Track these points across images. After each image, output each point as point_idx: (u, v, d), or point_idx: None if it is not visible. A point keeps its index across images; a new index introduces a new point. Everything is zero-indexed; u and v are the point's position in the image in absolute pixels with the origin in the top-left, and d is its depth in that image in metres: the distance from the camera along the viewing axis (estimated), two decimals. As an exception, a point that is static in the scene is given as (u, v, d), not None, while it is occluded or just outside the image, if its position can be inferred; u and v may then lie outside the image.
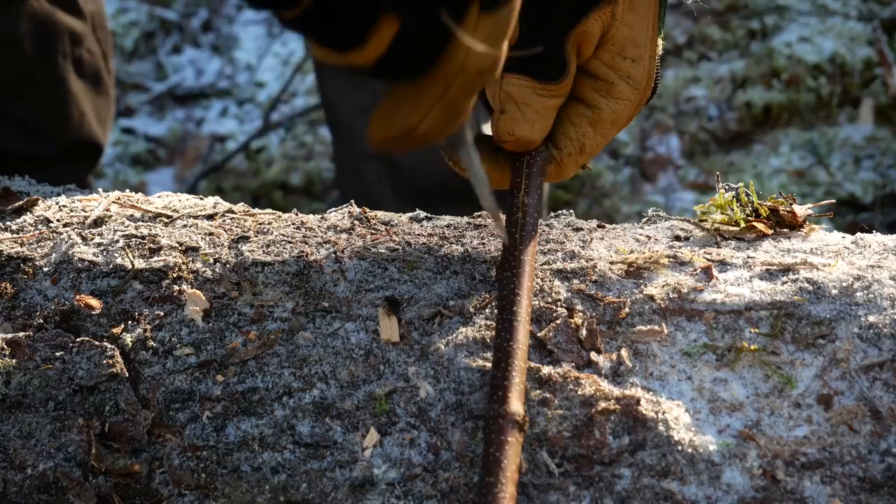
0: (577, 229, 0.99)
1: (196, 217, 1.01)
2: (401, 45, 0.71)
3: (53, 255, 0.95)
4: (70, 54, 1.46)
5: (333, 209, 1.03)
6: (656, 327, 0.86)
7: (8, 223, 1.00)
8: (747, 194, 0.99)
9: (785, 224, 0.97)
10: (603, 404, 0.81)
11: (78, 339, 0.88)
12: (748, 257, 0.92)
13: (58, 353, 0.87)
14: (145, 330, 0.89)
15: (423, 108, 0.75)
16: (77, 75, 1.48)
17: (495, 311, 0.86)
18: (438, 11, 0.70)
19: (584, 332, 0.86)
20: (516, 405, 0.79)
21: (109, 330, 0.89)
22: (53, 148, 1.47)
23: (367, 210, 1.02)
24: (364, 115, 1.73)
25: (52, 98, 1.45)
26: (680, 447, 0.79)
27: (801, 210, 0.97)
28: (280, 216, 1.02)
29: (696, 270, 0.90)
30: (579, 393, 0.82)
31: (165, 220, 1.00)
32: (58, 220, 1.00)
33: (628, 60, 0.92)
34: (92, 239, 0.97)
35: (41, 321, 0.90)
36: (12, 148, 1.41)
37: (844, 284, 0.87)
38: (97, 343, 0.87)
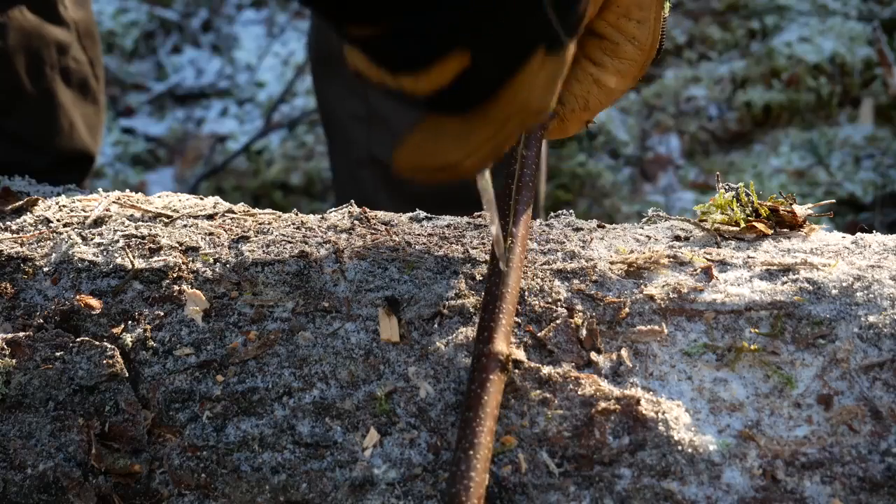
0: (577, 229, 0.99)
1: (196, 217, 1.00)
2: (465, 79, 0.69)
3: (53, 255, 0.95)
4: (57, 65, 1.46)
5: (333, 209, 1.03)
6: (656, 327, 0.86)
7: (8, 223, 1.00)
8: (747, 194, 0.99)
9: (785, 224, 0.97)
10: (603, 404, 0.81)
11: (78, 339, 0.88)
12: (748, 257, 0.92)
13: (58, 353, 0.87)
14: (145, 330, 0.89)
15: (472, 144, 0.73)
16: (65, 85, 1.48)
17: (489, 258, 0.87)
18: (513, 50, 0.69)
19: (584, 332, 0.86)
20: (501, 345, 0.81)
21: (109, 330, 0.89)
22: (44, 160, 1.47)
23: (367, 210, 1.02)
24: (360, 123, 1.73)
25: (41, 110, 1.45)
26: (680, 447, 0.79)
27: (801, 210, 0.98)
28: (280, 216, 1.02)
29: (696, 270, 0.90)
30: (579, 393, 0.82)
31: (165, 220, 1.00)
32: (58, 220, 1.00)
33: (633, 22, 0.92)
34: (92, 239, 0.97)
35: (41, 321, 0.90)
36: (3, 160, 1.41)
37: (844, 284, 0.87)
38: (97, 343, 0.87)
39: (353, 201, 1.04)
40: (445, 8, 0.65)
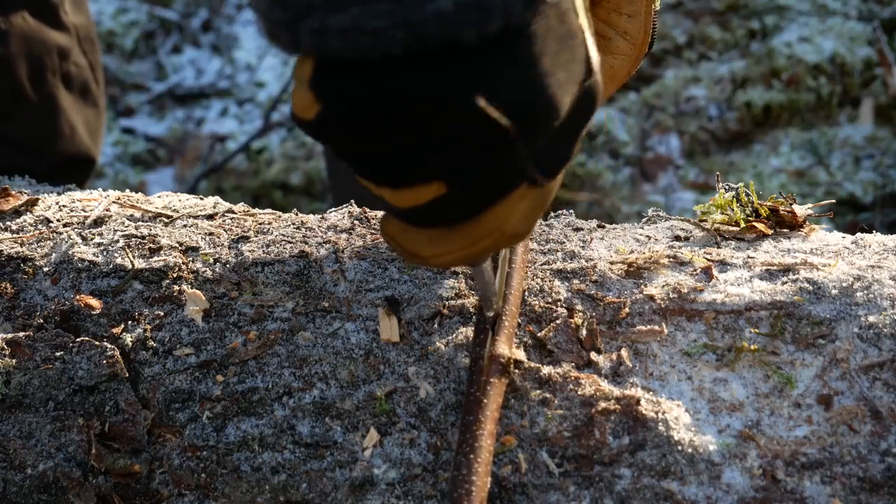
0: (577, 229, 0.99)
1: (196, 217, 1.00)
2: (440, 203, 0.69)
3: (53, 255, 0.95)
4: (58, 69, 1.46)
5: (333, 209, 1.03)
6: (656, 327, 0.86)
7: (8, 223, 1.00)
8: (747, 194, 0.99)
9: (785, 224, 0.97)
10: (603, 404, 0.81)
11: (78, 339, 0.88)
12: (748, 257, 0.92)
13: (58, 353, 0.87)
14: (145, 330, 0.89)
15: (442, 250, 0.73)
16: (66, 90, 1.48)
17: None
18: (490, 188, 0.70)
19: (584, 332, 0.86)
20: (502, 348, 0.81)
21: (109, 330, 0.89)
22: (45, 163, 1.48)
23: (367, 210, 1.02)
24: None
25: (42, 115, 1.46)
26: (680, 447, 0.79)
27: (801, 210, 0.98)
28: (280, 216, 1.02)
29: (696, 270, 0.90)
30: (579, 393, 0.82)
31: (165, 220, 1.00)
32: (58, 220, 1.00)
33: (624, 16, 0.92)
34: (92, 239, 0.97)
35: (41, 321, 0.90)
36: (4, 164, 1.42)
37: (844, 284, 0.87)
38: (97, 343, 0.87)
39: (352, 201, 1.04)
40: (428, 146, 0.66)
